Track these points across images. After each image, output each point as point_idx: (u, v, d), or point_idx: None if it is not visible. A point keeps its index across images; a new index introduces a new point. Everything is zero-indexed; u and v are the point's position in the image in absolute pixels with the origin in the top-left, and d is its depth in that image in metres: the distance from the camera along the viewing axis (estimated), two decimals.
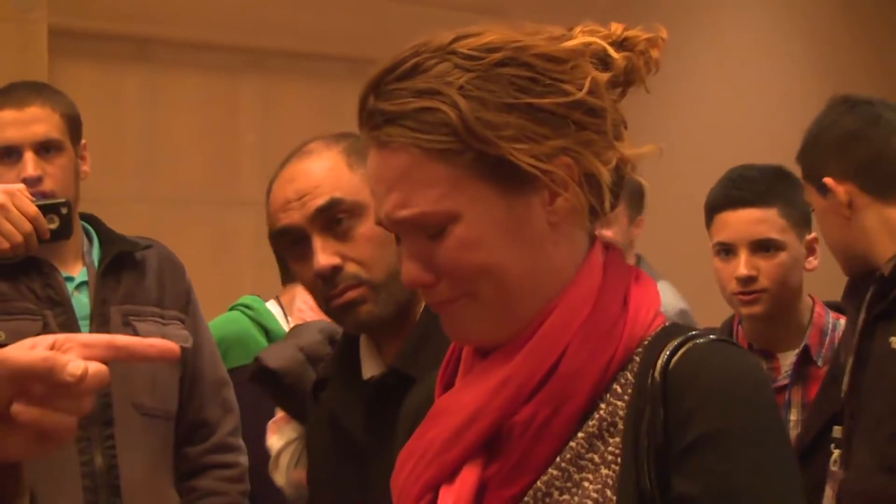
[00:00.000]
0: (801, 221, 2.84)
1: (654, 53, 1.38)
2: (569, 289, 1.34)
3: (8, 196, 2.32)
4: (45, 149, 2.63)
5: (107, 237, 2.74)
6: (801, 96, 6.52)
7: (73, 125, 2.70)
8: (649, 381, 1.29)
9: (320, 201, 1.85)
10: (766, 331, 2.84)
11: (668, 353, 1.30)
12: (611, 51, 1.36)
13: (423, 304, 1.84)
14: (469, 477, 1.32)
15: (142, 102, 4.91)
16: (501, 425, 1.32)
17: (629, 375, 1.32)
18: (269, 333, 3.35)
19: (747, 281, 2.78)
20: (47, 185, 2.62)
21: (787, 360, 2.82)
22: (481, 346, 1.37)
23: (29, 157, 2.61)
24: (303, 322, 2.50)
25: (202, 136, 5.04)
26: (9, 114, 2.63)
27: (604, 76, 1.34)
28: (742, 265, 2.78)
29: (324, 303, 1.88)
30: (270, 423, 2.52)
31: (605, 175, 1.33)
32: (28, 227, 2.32)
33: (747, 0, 6.66)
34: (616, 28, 1.39)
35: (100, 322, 2.61)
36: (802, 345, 2.81)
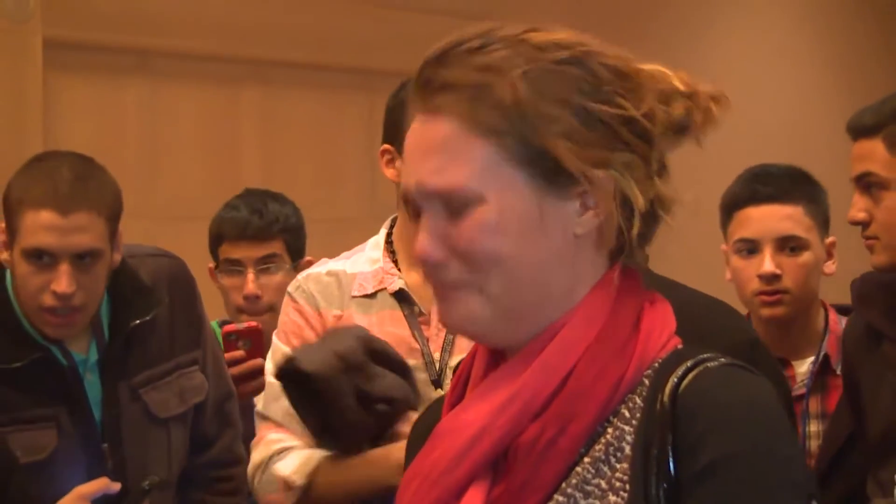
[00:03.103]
0: (823, 223, 2.79)
1: (715, 110, 1.38)
2: (580, 307, 1.33)
3: None
4: (81, 257, 2.44)
5: (119, 295, 2.58)
6: (820, 91, 6.55)
7: (115, 221, 2.52)
8: (658, 405, 1.28)
9: None
10: (782, 336, 2.76)
11: (677, 376, 1.29)
12: (680, 87, 1.35)
13: None
14: (475, 499, 1.31)
15: (140, 115, 4.87)
16: (507, 445, 1.30)
17: (638, 399, 1.31)
18: None
19: (772, 279, 2.71)
20: (77, 300, 2.45)
21: (802, 367, 2.76)
22: (473, 338, 1.37)
23: (64, 269, 2.42)
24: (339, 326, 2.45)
25: (202, 149, 5.01)
26: (49, 216, 2.41)
27: (662, 110, 1.34)
28: (767, 261, 2.71)
29: None
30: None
31: (641, 202, 1.32)
32: None
33: None
34: (683, 75, 1.38)
35: (110, 405, 2.54)
36: (822, 353, 2.75)
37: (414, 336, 2.37)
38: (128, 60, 4.83)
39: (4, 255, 2.51)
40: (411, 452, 1.44)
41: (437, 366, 2.36)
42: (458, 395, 1.40)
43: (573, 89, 1.31)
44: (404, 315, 2.38)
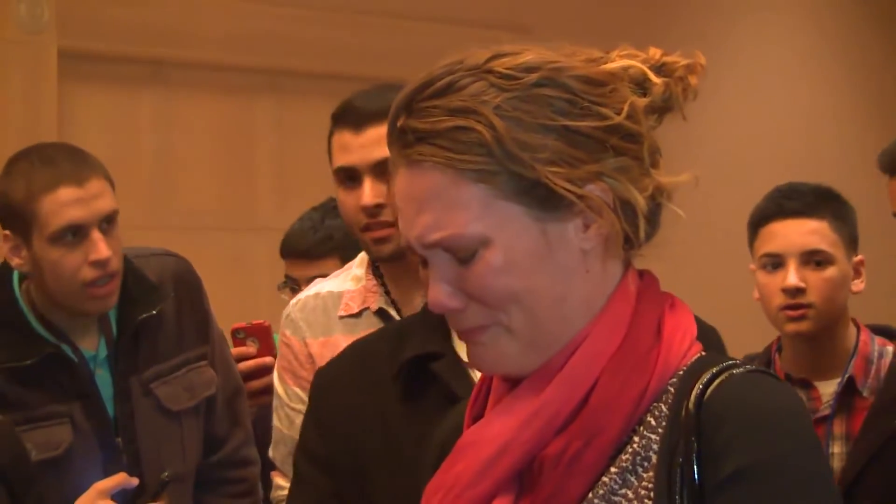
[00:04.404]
0: (850, 240, 2.78)
1: (693, 80, 1.36)
2: (600, 318, 1.32)
3: None
4: (108, 221, 2.50)
5: (125, 292, 2.61)
6: (833, 106, 6.54)
7: (113, 188, 2.58)
8: (683, 412, 1.27)
9: None
10: (807, 355, 2.74)
11: (702, 384, 1.28)
12: (651, 75, 1.34)
13: None
14: None
15: (155, 125, 4.90)
16: (532, 458, 1.30)
17: (663, 407, 1.30)
18: None
19: (795, 292, 2.70)
20: (114, 265, 2.50)
21: (828, 389, 2.72)
22: (509, 376, 1.35)
23: (97, 237, 2.47)
24: None
25: (217, 160, 5.04)
26: (70, 191, 2.46)
27: (642, 101, 1.32)
28: (791, 275, 2.70)
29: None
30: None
31: (642, 203, 1.31)
32: None
33: (774, 10, 6.64)
34: (654, 53, 1.37)
35: (122, 400, 2.56)
36: (847, 374, 2.71)
37: None
38: (142, 71, 4.86)
39: (17, 261, 2.53)
40: (431, 465, 1.43)
41: None
42: (480, 407, 1.39)
43: (551, 112, 1.29)
44: None
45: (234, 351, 2.91)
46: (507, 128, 1.27)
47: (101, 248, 2.46)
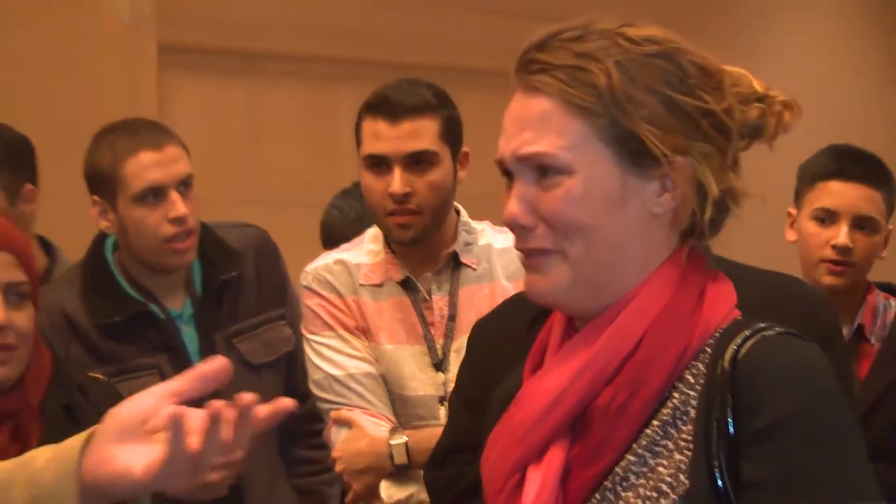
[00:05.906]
0: (889, 211, 2.92)
1: (788, 117, 1.44)
2: (650, 279, 1.39)
3: None
4: (183, 185, 2.65)
5: (207, 256, 2.76)
6: (865, 97, 6.51)
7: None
8: (719, 370, 1.33)
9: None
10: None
11: (736, 344, 1.35)
12: (756, 85, 1.43)
13: None
14: (555, 457, 1.38)
15: (246, 112, 5.04)
16: (584, 408, 1.38)
17: (701, 366, 1.37)
18: None
19: (845, 251, 2.84)
20: (191, 222, 2.64)
21: None
22: (556, 307, 1.44)
23: (175, 197, 2.61)
24: None
25: (302, 143, 5.16)
26: (149, 155, 2.61)
27: (740, 107, 1.41)
28: (844, 235, 2.83)
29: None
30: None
31: (714, 190, 1.39)
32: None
33: (809, 6, 6.63)
34: (761, 81, 1.45)
35: (207, 354, 2.62)
36: (856, 323, 2.87)
37: (419, 322, 2.52)
38: (234, 62, 5.01)
39: (104, 224, 2.68)
40: (493, 418, 1.50)
41: (440, 351, 2.50)
42: (537, 362, 1.46)
43: (661, 80, 1.37)
44: (410, 302, 2.53)
45: None
46: (621, 80, 1.36)
47: (178, 206, 2.61)
